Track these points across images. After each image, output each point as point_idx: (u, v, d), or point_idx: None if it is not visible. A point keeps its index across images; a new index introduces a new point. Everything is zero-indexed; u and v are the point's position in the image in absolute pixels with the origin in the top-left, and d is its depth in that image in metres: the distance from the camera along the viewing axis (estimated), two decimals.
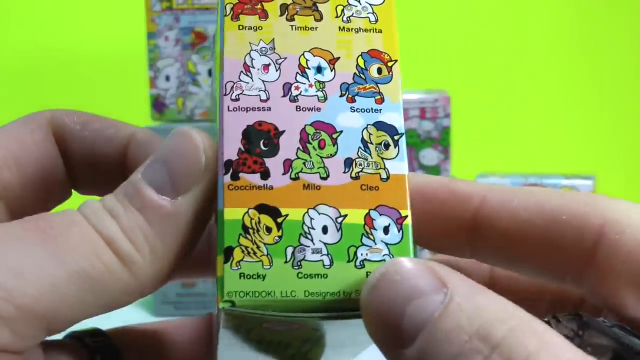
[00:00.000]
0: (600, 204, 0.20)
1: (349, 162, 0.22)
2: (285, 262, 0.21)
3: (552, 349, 0.17)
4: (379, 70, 0.23)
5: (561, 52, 1.05)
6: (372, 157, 0.22)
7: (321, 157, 0.22)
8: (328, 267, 0.21)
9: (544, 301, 0.24)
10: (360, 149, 0.22)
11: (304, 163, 0.22)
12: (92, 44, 0.97)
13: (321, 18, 0.23)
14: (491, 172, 0.82)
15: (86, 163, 0.26)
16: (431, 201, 0.22)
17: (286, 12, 0.23)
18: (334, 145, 0.22)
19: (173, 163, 0.21)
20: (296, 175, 0.21)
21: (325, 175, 0.22)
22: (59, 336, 0.25)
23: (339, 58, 0.23)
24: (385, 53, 0.23)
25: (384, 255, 0.21)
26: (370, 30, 0.23)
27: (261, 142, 0.22)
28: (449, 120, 0.78)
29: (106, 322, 0.27)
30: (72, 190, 0.27)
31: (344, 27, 0.23)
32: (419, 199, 0.22)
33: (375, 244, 0.21)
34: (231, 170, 0.21)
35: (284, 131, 0.22)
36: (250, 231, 0.21)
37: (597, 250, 0.19)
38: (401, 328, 0.18)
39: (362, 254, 0.21)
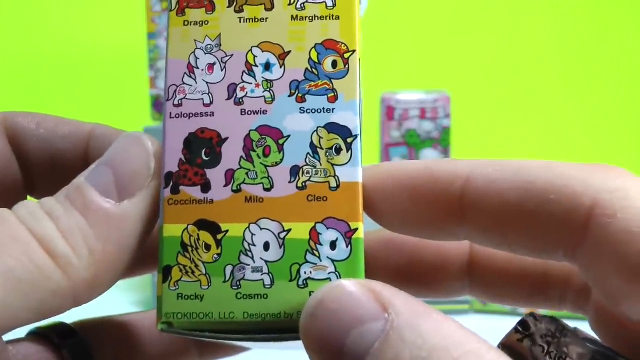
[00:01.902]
0: (593, 181, 0.18)
1: (295, 171, 0.20)
2: (224, 281, 0.19)
3: None
4: (334, 64, 0.20)
5: (562, 51, 1.04)
6: (321, 164, 0.20)
7: (266, 166, 0.20)
8: (268, 286, 0.19)
9: (526, 281, 0.23)
10: (308, 155, 0.20)
11: (246, 173, 0.20)
12: (92, 44, 0.96)
13: (272, 7, 0.21)
14: None
15: (44, 163, 0.25)
16: (411, 190, 0.20)
17: (234, 2, 0.21)
18: (279, 152, 0.20)
19: (120, 165, 0.20)
20: (238, 186, 0.20)
21: (269, 186, 0.20)
22: (20, 333, 0.24)
23: (289, 52, 0.21)
24: (342, 43, 0.21)
25: (329, 273, 0.19)
26: (326, 17, 0.21)
27: (202, 152, 0.20)
28: (449, 120, 0.78)
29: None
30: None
31: (296, 16, 0.21)
32: (398, 189, 0.20)
33: (321, 261, 0.19)
34: (171, 183, 0.20)
35: (226, 138, 0.20)
36: (189, 249, 0.20)
37: (586, 234, 0.18)
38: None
39: (305, 272, 0.19)
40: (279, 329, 0.19)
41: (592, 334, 0.20)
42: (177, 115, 0.20)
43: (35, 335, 0.25)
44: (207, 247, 0.20)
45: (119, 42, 0.94)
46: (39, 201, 0.20)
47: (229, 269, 0.19)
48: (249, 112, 0.20)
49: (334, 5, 0.21)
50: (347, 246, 0.19)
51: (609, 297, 0.18)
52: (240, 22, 0.21)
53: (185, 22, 0.21)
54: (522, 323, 0.20)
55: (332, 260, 0.19)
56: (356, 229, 0.19)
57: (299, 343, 0.18)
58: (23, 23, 0.96)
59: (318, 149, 0.20)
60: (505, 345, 0.19)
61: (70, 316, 0.24)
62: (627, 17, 1.05)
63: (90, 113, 0.91)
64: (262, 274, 0.19)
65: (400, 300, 0.17)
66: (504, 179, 0.19)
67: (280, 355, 0.27)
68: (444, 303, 0.67)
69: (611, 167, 0.19)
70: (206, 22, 0.21)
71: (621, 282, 0.18)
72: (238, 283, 0.19)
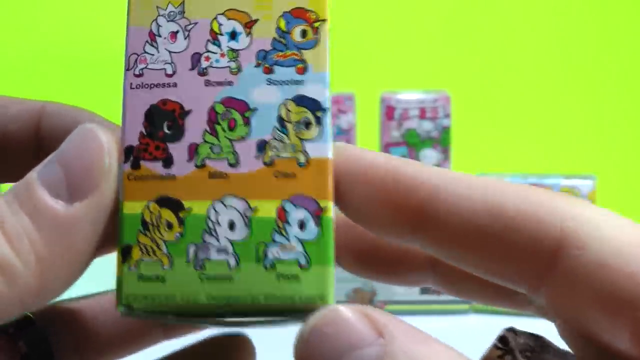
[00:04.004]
0: (561, 211, 0.18)
1: (262, 145, 0.19)
2: (187, 262, 0.18)
3: None
4: (303, 33, 0.19)
5: (561, 51, 1.04)
6: (289, 139, 0.19)
7: (231, 140, 0.19)
8: (234, 268, 0.18)
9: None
10: (275, 129, 0.19)
11: (210, 147, 0.19)
12: (91, 43, 0.96)
13: None
14: (491, 172, 0.82)
15: None
16: (376, 186, 0.19)
17: None
18: (245, 126, 0.19)
19: (71, 163, 0.19)
20: (202, 162, 0.19)
21: (234, 162, 0.19)
22: None
23: (256, 20, 0.19)
24: (312, 12, 0.19)
25: (297, 254, 0.18)
26: None
27: (165, 124, 0.19)
28: (449, 120, 0.77)
29: None
30: None
31: None
32: (364, 182, 0.19)
33: (289, 241, 0.18)
34: (132, 158, 0.19)
35: (190, 111, 0.19)
36: (150, 227, 0.18)
37: (555, 266, 0.17)
38: None
39: (272, 253, 0.18)
40: (245, 312, 0.18)
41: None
42: (138, 86, 0.19)
43: None
44: (169, 225, 0.19)
45: (119, 42, 0.94)
46: None
47: (192, 248, 0.18)
48: (214, 83, 0.19)
49: None
50: (316, 225, 0.18)
51: (583, 330, 0.18)
52: None
53: None
54: (501, 339, 0.19)
55: (301, 241, 0.18)
56: (326, 208, 0.18)
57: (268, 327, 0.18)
58: (21, 22, 0.96)
59: (286, 123, 0.19)
60: None
61: None
62: (629, 17, 1.05)
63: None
64: (226, 255, 0.18)
65: (395, 326, 0.16)
66: (471, 198, 0.18)
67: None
68: (445, 303, 0.67)
69: (578, 199, 0.18)
70: None
71: (598, 316, 0.17)
72: (202, 264, 0.18)
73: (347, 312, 0.17)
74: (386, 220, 0.19)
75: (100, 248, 0.23)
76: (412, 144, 0.78)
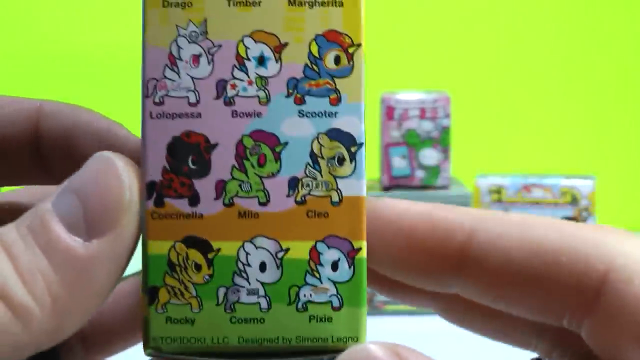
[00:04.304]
0: (606, 245, 0.17)
1: (293, 183, 0.18)
2: (217, 304, 0.18)
3: None
4: (337, 59, 0.18)
5: (561, 51, 1.04)
6: (322, 176, 0.18)
7: (260, 177, 0.18)
8: (265, 310, 0.18)
9: (498, 316, 0.21)
10: (308, 166, 0.18)
11: (239, 185, 0.18)
12: (92, 44, 0.96)
13: None
14: (491, 172, 0.82)
15: None
16: (410, 234, 0.19)
17: None
18: (276, 162, 0.18)
19: (89, 198, 0.17)
20: (230, 200, 0.18)
21: (264, 200, 0.18)
22: None
23: (286, 44, 0.18)
24: (346, 35, 0.18)
25: (330, 295, 0.18)
26: (328, 3, 0.18)
27: (189, 159, 0.18)
28: (448, 121, 0.78)
29: None
30: None
31: (294, 0, 0.18)
32: (397, 234, 0.19)
33: (321, 283, 0.18)
34: (155, 195, 0.18)
35: (216, 144, 0.18)
36: (177, 269, 0.18)
37: (599, 299, 0.17)
38: None
39: (304, 295, 0.18)
40: (277, 354, 0.18)
41: None
42: (158, 116, 0.18)
43: None
44: (198, 267, 0.18)
45: (119, 41, 0.94)
46: None
47: (222, 291, 0.18)
48: (241, 115, 0.18)
49: None
50: (349, 267, 0.18)
51: None
52: (229, 5, 0.18)
53: (165, 3, 0.18)
54: None
55: (334, 282, 0.18)
56: (359, 249, 0.18)
57: None
58: (23, 22, 0.96)
59: (319, 159, 0.18)
60: None
61: None
62: (628, 18, 1.05)
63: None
64: (258, 297, 0.18)
65: None
66: (510, 236, 0.18)
67: None
68: None
69: (620, 230, 0.18)
70: (189, 5, 0.18)
71: (636, 349, 0.17)
72: (232, 306, 0.18)
73: (377, 351, 0.16)
74: (425, 267, 0.19)
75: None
76: (412, 144, 0.78)
